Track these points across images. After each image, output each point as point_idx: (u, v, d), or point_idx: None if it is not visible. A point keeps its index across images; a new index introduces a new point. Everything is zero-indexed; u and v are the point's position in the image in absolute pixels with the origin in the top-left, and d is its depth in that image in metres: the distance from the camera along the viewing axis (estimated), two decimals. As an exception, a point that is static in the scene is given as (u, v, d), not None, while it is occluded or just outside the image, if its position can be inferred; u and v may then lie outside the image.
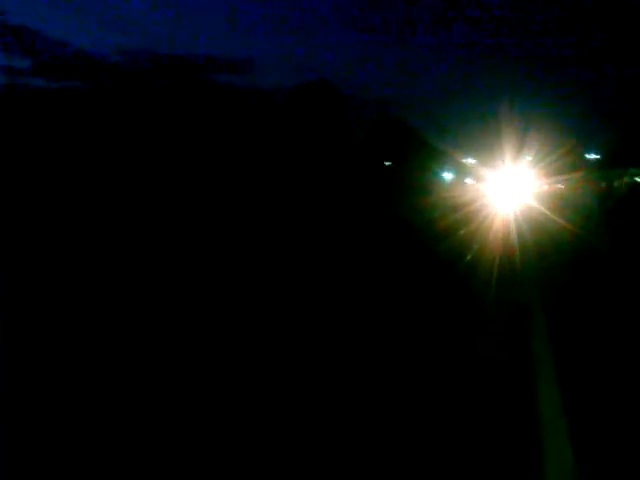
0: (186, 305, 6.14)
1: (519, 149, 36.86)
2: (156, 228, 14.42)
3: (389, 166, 44.00)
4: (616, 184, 42.79)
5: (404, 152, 42.53)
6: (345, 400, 3.65)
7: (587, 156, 44.27)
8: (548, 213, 20.60)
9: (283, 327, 5.28)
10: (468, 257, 9.94)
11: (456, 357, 4.45)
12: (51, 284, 6.94)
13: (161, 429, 3.33)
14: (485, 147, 39.79)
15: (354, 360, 4.40)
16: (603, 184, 41.91)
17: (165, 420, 3.44)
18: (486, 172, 42.12)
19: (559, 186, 40.75)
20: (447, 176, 49.78)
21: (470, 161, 46.89)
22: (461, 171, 49.34)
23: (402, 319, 5.60)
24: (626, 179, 41.61)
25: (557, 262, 9.52)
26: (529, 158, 38.14)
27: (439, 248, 11.09)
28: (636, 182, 40.39)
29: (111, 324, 5.43)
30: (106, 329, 5.30)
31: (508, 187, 35.79)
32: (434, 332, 5.18)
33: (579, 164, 42.26)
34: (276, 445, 3.14)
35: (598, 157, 44.67)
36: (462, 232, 14.24)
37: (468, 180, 50.48)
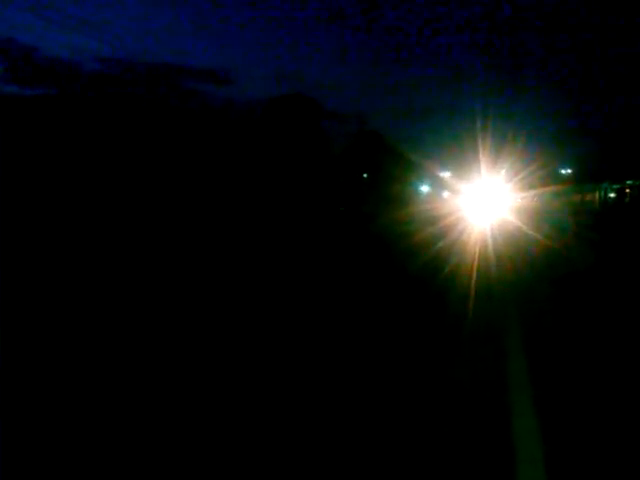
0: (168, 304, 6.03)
1: (495, 163, 37.30)
2: (131, 238, 14.01)
3: (366, 178, 44.11)
4: (588, 198, 43.64)
5: (381, 165, 42.67)
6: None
7: (561, 171, 45.05)
8: (524, 227, 20.66)
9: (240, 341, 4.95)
10: (444, 271, 9.72)
11: (427, 381, 4.15)
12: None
13: (160, 429, 3.32)
14: (462, 161, 40.19)
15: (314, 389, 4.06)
16: (577, 198, 42.68)
17: (165, 420, 3.44)
18: (463, 185, 42.54)
19: (534, 200, 41.28)
20: (424, 189, 50.17)
21: (447, 174, 47.33)
22: (438, 184, 49.79)
23: (373, 333, 5.32)
24: (599, 194, 42.44)
25: (534, 277, 9.36)
26: (504, 172, 38.64)
27: (415, 261, 10.88)
28: (609, 197, 41.21)
29: (110, 325, 5.62)
30: (105, 329, 5.46)
31: (484, 201, 36.14)
32: (404, 351, 4.88)
33: (553, 179, 42.96)
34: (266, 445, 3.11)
35: (570, 172, 45.50)
36: (439, 245, 14.09)
37: (445, 193, 50.95)
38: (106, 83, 50.75)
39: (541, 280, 8.98)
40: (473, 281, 8.54)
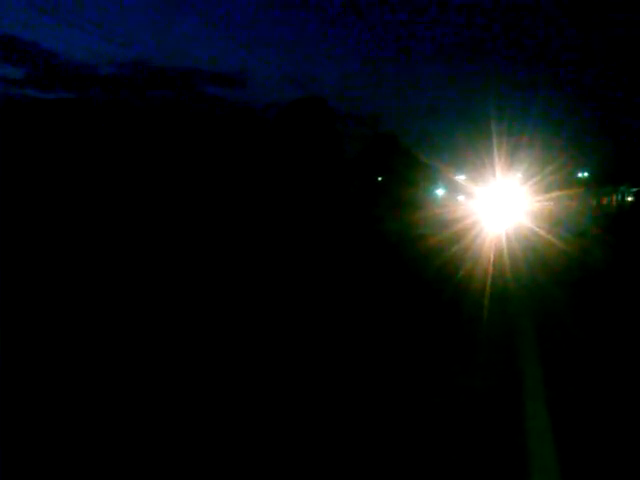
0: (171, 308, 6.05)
1: (510, 167, 36.99)
2: (144, 244, 14.16)
3: (381, 181, 43.97)
4: (605, 202, 43.07)
5: (396, 168, 42.51)
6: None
7: (578, 174, 44.52)
8: (540, 231, 20.47)
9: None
10: (458, 275, 9.71)
11: (441, 383, 4.19)
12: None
13: (161, 430, 3.34)
14: (477, 164, 39.91)
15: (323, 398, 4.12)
16: (593, 202, 42.15)
17: (165, 421, 3.46)
18: (478, 189, 42.27)
19: (550, 203, 40.85)
20: (439, 192, 49.89)
21: (462, 178, 47.04)
22: (453, 188, 49.51)
23: (386, 337, 5.36)
24: (616, 197, 41.88)
25: (551, 282, 9.30)
26: (520, 176, 38.30)
27: (430, 265, 10.88)
28: (626, 200, 40.65)
29: (111, 325, 5.63)
30: (106, 330, 5.47)
31: (499, 204, 35.88)
32: (417, 356, 4.93)
33: (570, 182, 42.45)
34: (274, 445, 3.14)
35: (587, 175, 44.92)
36: (453, 249, 14.05)
37: (460, 197, 50.64)
38: (122, 87, 51.37)
39: (558, 285, 8.92)
40: (488, 286, 8.53)
